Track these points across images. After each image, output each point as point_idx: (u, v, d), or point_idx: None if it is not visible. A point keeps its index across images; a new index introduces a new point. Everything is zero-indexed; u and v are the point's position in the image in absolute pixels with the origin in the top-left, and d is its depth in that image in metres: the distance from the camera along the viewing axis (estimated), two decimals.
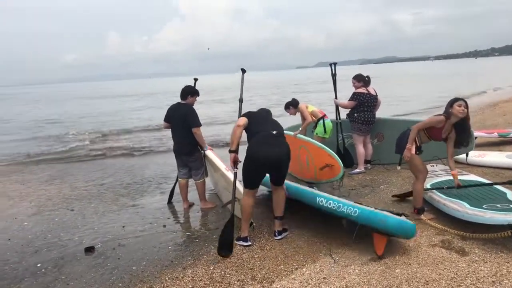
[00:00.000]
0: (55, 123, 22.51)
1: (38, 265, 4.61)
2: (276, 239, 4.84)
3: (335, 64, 7.83)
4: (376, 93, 7.59)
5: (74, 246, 5.10)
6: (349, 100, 7.54)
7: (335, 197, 4.69)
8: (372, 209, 4.24)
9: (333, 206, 4.52)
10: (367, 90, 7.48)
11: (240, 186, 5.10)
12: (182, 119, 6.00)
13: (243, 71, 5.49)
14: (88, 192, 7.76)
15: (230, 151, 4.83)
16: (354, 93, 7.49)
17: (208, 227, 5.54)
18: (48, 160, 11.96)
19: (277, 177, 4.81)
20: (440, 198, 5.00)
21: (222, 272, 4.08)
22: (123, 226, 5.73)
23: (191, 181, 6.33)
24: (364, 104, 7.40)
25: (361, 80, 7.56)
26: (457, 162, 7.37)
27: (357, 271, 3.83)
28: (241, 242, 4.74)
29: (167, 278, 4.06)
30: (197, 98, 6.27)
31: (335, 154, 6.22)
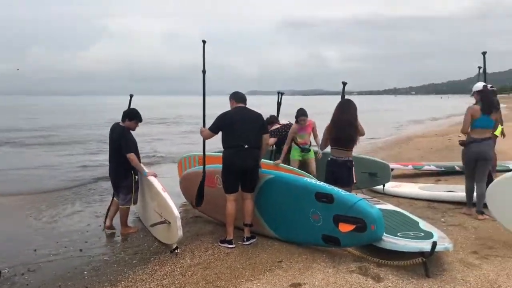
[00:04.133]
0: None
1: None
2: (244, 244, 5.18)
3: (282, 93, 7.93)
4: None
5: None
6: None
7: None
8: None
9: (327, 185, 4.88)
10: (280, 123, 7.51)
11: (174, 208, 4.94)
12: (113, 141, 5.80)
13: (204, 42, 5.58)
14: None
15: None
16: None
17: (128, 252, 5.35)
18: None
19: (245, 184, 5.24)
20: None
21: None
22: (35, 250, 5.38)
23: None
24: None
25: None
26: (375, 191, 7.73)
27: None
28: (225, 245, 5.16)
29: None
30: (139, 124, 5.98)
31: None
